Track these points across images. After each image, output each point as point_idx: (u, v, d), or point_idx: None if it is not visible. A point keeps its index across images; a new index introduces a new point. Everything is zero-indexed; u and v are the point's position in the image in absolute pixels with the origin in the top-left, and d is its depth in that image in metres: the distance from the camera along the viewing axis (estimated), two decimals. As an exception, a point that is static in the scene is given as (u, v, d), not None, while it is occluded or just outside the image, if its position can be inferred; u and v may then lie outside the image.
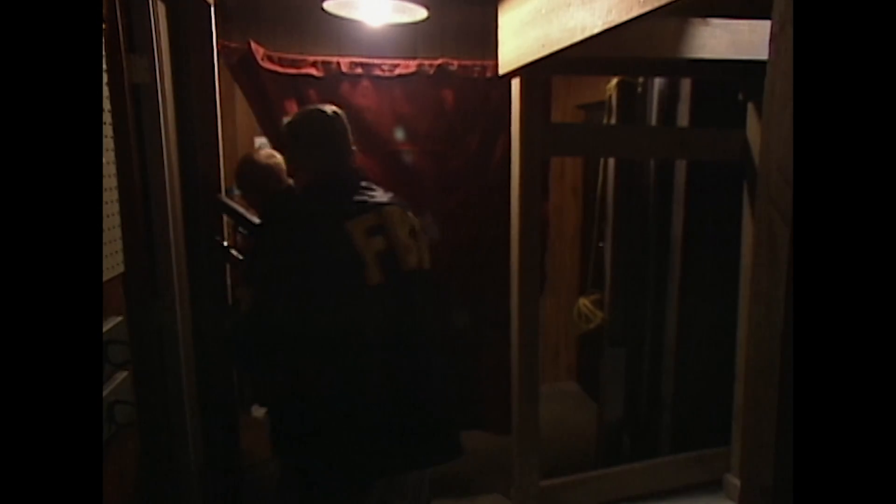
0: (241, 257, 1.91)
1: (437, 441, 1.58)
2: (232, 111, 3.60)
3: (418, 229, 1.60)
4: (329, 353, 1.46)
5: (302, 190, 1.71)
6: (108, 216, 1.34)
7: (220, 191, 2.03)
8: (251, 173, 2.02)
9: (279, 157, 2.03)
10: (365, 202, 1.52)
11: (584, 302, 2.80)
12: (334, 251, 1.44)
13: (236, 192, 3.66)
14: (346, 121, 1.61)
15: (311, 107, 1.68)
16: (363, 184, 1.58)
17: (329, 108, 1.62)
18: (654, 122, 2.58)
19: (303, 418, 1.52)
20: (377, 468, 1.50)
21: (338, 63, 2.35)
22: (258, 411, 3.60)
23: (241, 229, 2.05)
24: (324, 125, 1.59)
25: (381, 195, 1.57)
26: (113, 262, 1.34)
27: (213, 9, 1.91)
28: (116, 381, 1.30)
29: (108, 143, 1.34)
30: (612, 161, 2.75)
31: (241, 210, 2.01)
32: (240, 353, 1.63)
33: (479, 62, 2.42)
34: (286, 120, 1.72)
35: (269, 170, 1.99)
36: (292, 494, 1.66)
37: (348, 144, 1.60)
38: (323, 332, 1.44)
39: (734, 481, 2.43)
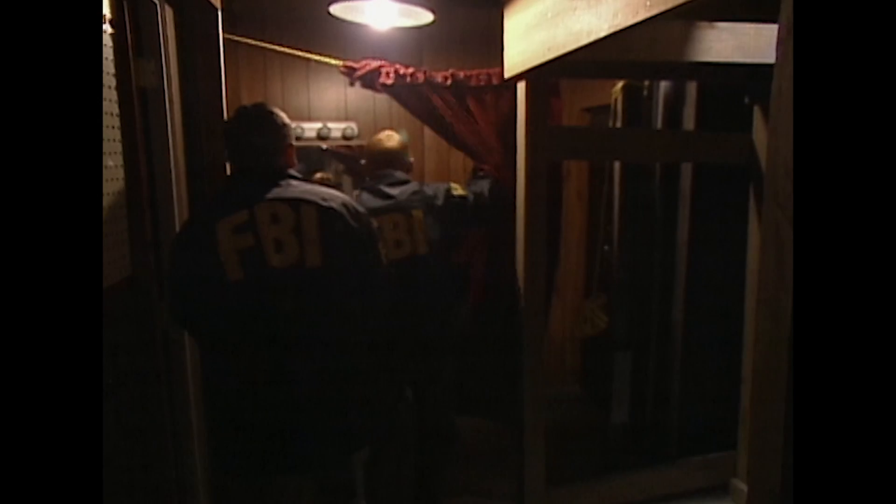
0: None
1: (309, 447, 1.50)
2: (238, 114, 3.62)
3: (308, 226, 1.50)
4: (205, 349, 1.53)
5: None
6: (115, 219, 1.35)
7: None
8: (374, 155, 2.23)
9: (396, 140, 2.24)
10: (249, 199, 1.49)
11: (590, 306, 2.79)
12: (198, 250, 1.46)
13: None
14: (275, 118, 1.60)
15: (246, 104, 1.67)
16: (279, 181, 1.55)
17: (258, 106, 1.63)
18: (659, 125, 2.57)
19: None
20: (242, 469, 1.51)
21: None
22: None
23: None
24: (241, 123, 1.59)
25: (282, 191, 1.52)
26: (120, 266, 1.34)
27: (220, 13, 1.92)
28: (123, 385, 1.30)
29: (116, 146, 1.35)
30: (617, 164, 2.74)
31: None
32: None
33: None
34: None
35: (389, 153, 2.19)
36: None
37: (270, 141, 1.57)
38: (197, 328, 1.51)
39: (741, 486, 2.42)
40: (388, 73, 2.33)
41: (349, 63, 2.37)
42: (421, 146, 3.85)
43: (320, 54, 2.56)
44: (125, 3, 1.36)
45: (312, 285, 1.51)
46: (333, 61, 2.43)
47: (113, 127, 1.34)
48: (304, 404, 1.49)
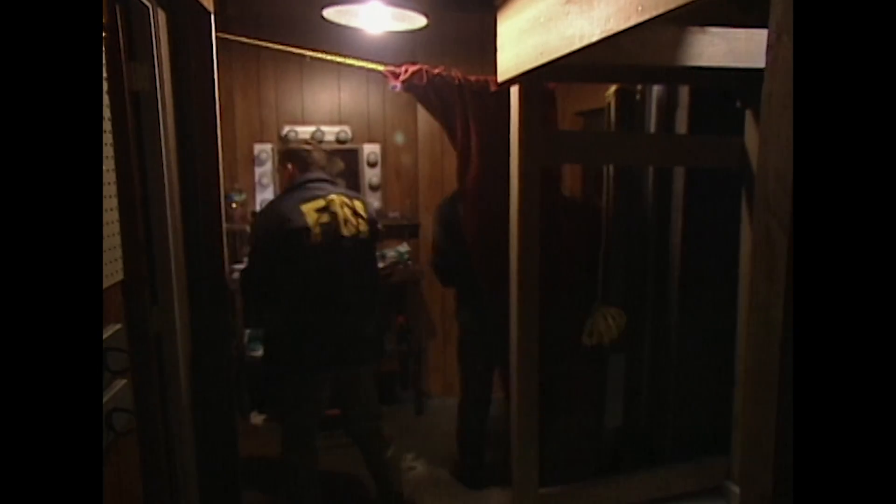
0: None
1: (355, 354, 2.41)
2: (232, 118, 3.62)
3: (361, 210, 2.42)
4: (291, 289, 2.31)
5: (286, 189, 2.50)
6: (107, 223, 1.34)
7: (219, 197, 2.03)
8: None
9: None
10: (319, 192, 2.36)
11: (606, 313, 2.53)
12: (293, 223, 2.26)
13: (236, 198, 3.67)
14: (321, 151, 2.51)
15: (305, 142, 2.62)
16: (326, 185, 2.41)
17: (309, 145, 2.57)
18: (652, 129, 2.58)
19: (279, 333, 2.39)
20: (315, 366, 2.35)
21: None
22: (257, 418, 3.60)
23: None
24: (310, 155, 2.47)
25: (334, 189, 2.41)
26: (112, 270, 1.34)
27: (213, 16, 1.91)
28: (115, 389, 1.29)
29: (108, 150, 1.34)
30: (610, 168, 2.75)
31: None
32: (244, 293, 2.52)
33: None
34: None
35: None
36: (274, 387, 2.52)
37: (321, 163, 2.46)
38: (288, 274, 2.30)
39: (734, 488, 2.43)
40: (426, 73, 2.41)
41: (392, 69, 2.42)
42: (415, 150, 3.85)
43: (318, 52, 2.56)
44: (117, 7, 1.35)
45: (363, 248, 2.43)
46: (380, 67, 2.50)
47: (105, 131, 1.33)
48: (350, 321, 2.37)
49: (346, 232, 2.35)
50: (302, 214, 2.27)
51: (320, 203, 2.32)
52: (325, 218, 2.30)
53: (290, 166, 2.45)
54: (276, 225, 2.27)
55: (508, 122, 2.17)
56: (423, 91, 2.46)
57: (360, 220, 2.40)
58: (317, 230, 2.28)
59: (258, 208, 3.69)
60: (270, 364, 2.46)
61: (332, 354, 2.34)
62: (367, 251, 2.47)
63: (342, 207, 2.36)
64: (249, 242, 2.49)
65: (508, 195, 2.21)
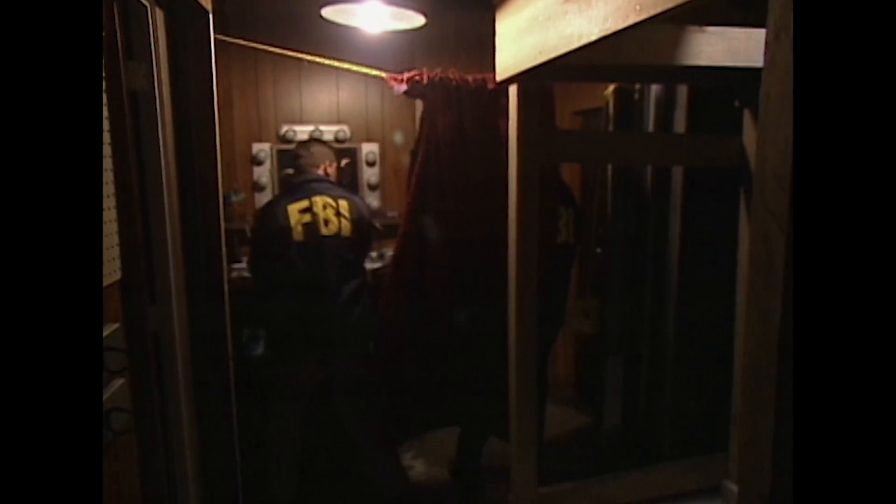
0: None
1: (337, 340, 2.54)
2: (230, 117, 3.61)
3: (345, 210, 2.52)
4: (279, 283, 2.48)
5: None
6: (105, 223, 1.34)
7: (217, 197, 2.03)
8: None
9: None
10: (305, 192, 2.49)
11: (583, 306, 2.80)
12: (277, 222, 2.43)
13: (234, 198, 3.66)
14: (321, 148, 2.66)
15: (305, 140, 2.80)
16: (316, 184, 2.54)
17: (308, 142, 2.73)
18: (651, 128, 2.58)
19: (271, 324, 2.64)
20: (297, 353, 2.54)
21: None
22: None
23: None
24: (301, 151, 2.64)
25: (322, 189, 2.53)
26: (110, 269, 1.34)
27: (211, 15, 1.91)
28: (113, 388, 1.29)
29: (106, 149, 1.34)
30: (609, 167, 2.75)
31: None
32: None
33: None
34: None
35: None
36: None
37: (316, 162, 2.60)
38: (274, 270, 2.49)
39: (732, 488, 2.43)
40: (424, 76, 2.41)
41: (394, 75, 2.43)
42: (413, 149, 3.84)
43: (316, 55, 2.56)
44: (115, 5, 1.35)
45: (346, 246, 2.51)
46: (382, 73, 2.50)
47: (103, 130, 1.33)
48: (332, 312, 2.49)
49: (325, 231, 2.47)
50: (286, 214, 2.43)
51: (304, 203, 2.46)
52: (306, 218, 2.44)
53: (291, 169, 2.64)
54: (265, 223, 2.47)
55: (505, 121, 2.17)
56: (425, 93, 2.45)
57: (343, 220, 2.50)
58: (298, 229, 2.42)
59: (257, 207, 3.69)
60: (268, 353, 2.71)
61: (314, 342, 2.51)
62: (351, 249, 2.55)
63: (324, 208, 2.48)
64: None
65: (503, 195, 2.20)
